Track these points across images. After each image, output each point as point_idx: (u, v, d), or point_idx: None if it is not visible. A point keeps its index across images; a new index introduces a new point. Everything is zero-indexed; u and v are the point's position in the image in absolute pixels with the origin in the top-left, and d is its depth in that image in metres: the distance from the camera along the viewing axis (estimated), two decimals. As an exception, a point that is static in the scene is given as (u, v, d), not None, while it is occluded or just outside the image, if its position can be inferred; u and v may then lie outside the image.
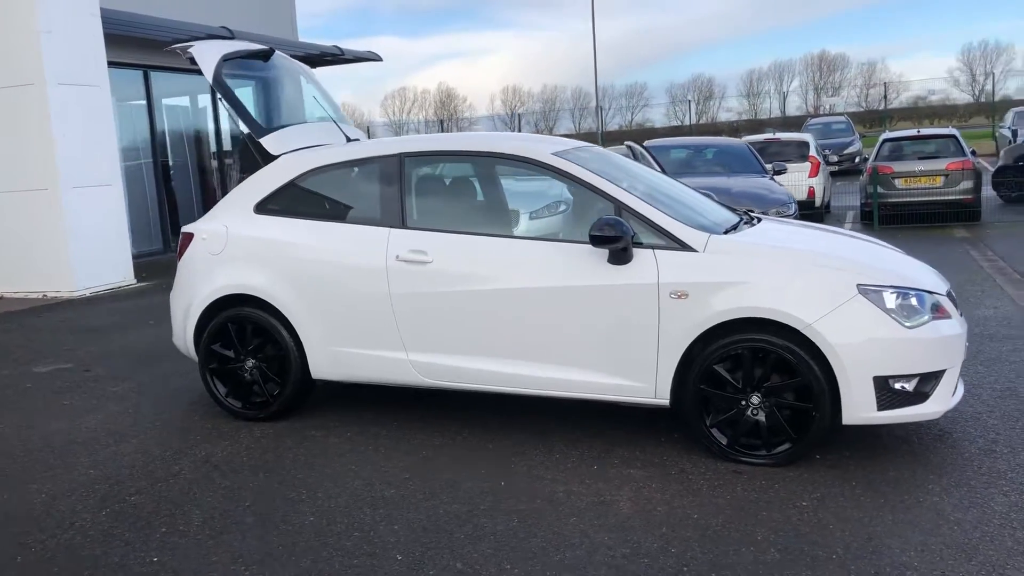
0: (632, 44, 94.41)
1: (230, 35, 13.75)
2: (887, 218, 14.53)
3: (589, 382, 4.65)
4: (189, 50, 5.60)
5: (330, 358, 5.15)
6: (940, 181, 14.56)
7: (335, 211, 5.30)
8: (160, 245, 14.75)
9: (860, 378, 4.22)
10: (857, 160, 24.72)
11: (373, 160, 5.25)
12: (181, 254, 5.62)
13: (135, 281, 11.65)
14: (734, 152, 13.71)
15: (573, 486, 4.22)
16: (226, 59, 5.63)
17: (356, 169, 5.34)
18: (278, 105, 5.87)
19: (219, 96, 5.56)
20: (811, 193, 15.26)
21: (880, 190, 14.62)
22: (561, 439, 4.85)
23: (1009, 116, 25.82)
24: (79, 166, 10.90)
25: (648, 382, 4.55)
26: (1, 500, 4.34)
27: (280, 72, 6.09)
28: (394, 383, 5.10)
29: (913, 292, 4.37)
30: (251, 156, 5.63)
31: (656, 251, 4.51)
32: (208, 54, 5.57)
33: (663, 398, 4.55)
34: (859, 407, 4.25)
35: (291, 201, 5.36)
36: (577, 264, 4.61)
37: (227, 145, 16.59)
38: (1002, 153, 17.65)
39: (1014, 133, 19.22)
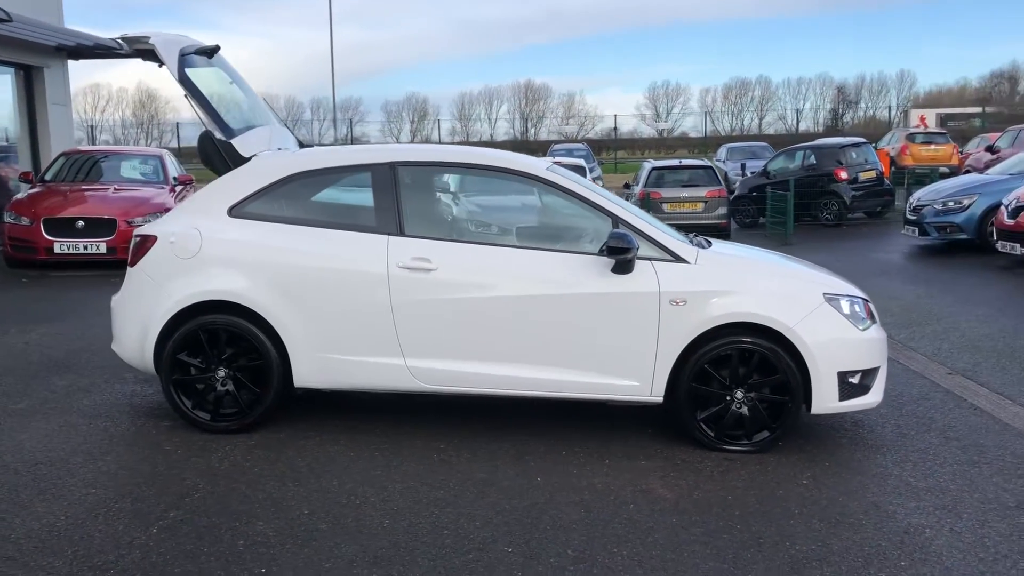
0: (345, 57, 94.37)
1: (7, 17, 12.48)
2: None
3: (589, 383, 5.01)
4: (150, 41, 5.28)
5: (317, 365, 5.10)
6: (700, 207, 16.31)
7: (324, 217, 5.25)
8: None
9: (828, 373, 4.93)
10: (600, 185, 26.66)
11: (363, 167, 5.28)
12: (136, 258, 5.27)
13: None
14: None
15: (602, 479, 4.56)
16: (183, 54, 5.37)
17: (345, 176, 5.33)
18: (230, 105, 5.66)
19: (185, 94, 5.30)
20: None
21: (652, 213, 16.13)
22: (555, 439, 5.16)
23: (721, 151, 29.10)
24: None
25: (645, 381, 4.99)
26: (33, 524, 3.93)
27: (227, 71, 5.87)
28: (387, 389, 5.15)
29: (858, 300, 5.17)
30: (214, 156, 5.40)
31: (654, 263, 4.98)
32: (168, 49, 5.29)
33: (658, 396, 5.02)
34: (825, 399, 4.96)
35: (273, 205, 5.23)
36: (582, 273, 4.96)
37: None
38: (738, 184, 19.99)
39: (743, 166, 21.84)
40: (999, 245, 11.97)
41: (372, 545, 3.76)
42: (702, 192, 16.30)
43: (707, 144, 50.21)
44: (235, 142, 5.35)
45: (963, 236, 13.15)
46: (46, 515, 4.05)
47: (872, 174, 18.04)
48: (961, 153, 26.47)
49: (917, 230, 13.73)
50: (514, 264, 5.02)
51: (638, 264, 4.95)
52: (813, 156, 18.51)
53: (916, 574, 3.56)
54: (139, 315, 5.22)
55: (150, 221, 11.57)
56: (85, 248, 11.70)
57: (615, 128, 53.40)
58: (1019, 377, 6.50)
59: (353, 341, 5.07)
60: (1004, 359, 7.00)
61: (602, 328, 4.95)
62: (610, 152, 49.35)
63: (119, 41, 5.43)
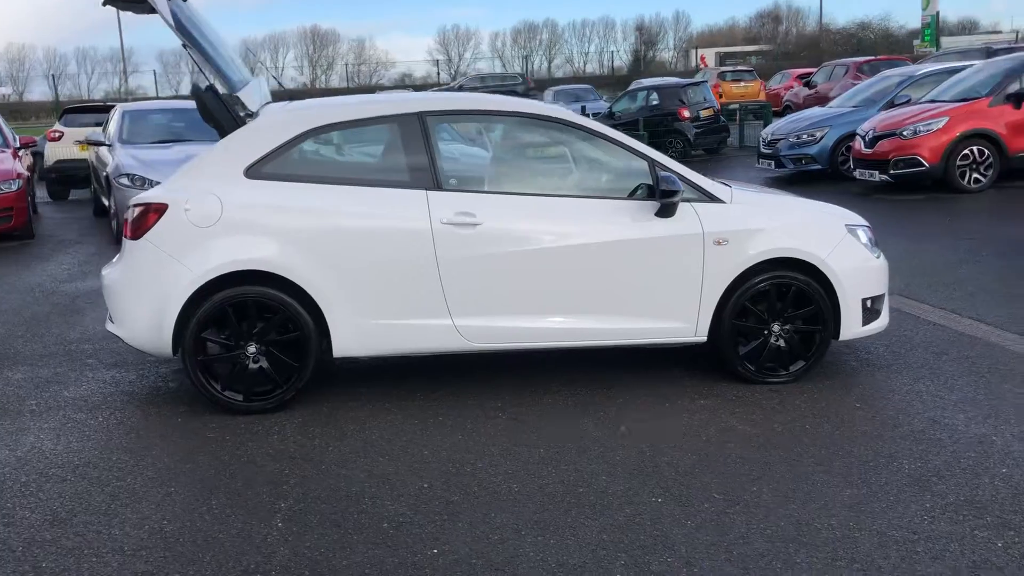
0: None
1: None
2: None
3: (639, 328, 5.01)
4: None
5: (359, 333, 4.80)
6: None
7: (351, 174, 4.91)
8: None
9: (854, 301, 5.18)
10: None
11: (389, 119, 4.95)
12: (140, 230, 4.71)
13: None
14: None
15: (677, 421, 4.60)
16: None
17: (369, 128, 4.97)
18: (224, 54, 5.10)
19: (183, 44, 4.74)
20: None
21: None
22: (603, 386, 5.14)
23: (548, 94, 29.46)
24: None
25: (691, 322, 5.05)
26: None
27: (201, 17, 5.28)
28: (434, 351, 4.93)
29: (868, 228, 5.44)
30: (218, 112, 4.89)
31: (693, 204, 5.01)
32: (157, -4, 4.70)
33: (702, 335, 5.10)
34: (852, 326, 5.22)
35: (294, 164, 4.82)
36: (628, 219, 4.92)
37: None
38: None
39: (583, 109, 22.23)
40: (857, 173, 12.90)
41: (523, 511, 3.63)
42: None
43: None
44: (242, 96, 4.87)
45: (817, 166, 14.06)
46: (143, 521, 3.61)
47: (711, 112, 18.89)
48: (767, 89, 28.15)
49: (773, 163, 14.54)
50: (558, 214, 4.91)
51: (680, 207, 4.96)
52: (656, 96, 19.12)
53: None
54: (150, 293, 4.69)
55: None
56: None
57: (407, 75, 52.70)
58: (950, 293, 7.03)
59: (397, 304, 4.80)
60: (925, 277, 7.55)
61: (650, 273, 4.95)
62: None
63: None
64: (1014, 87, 11.89)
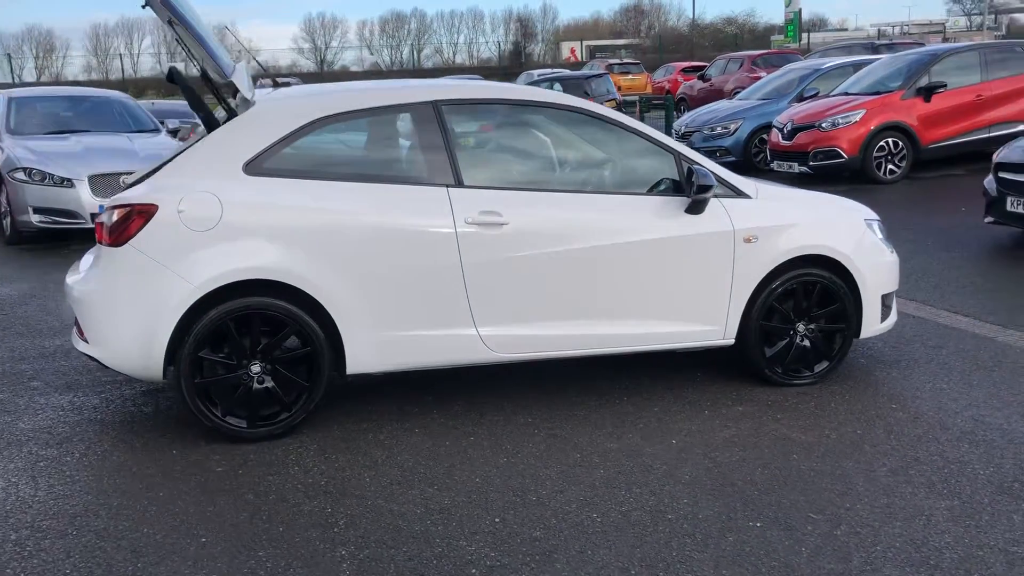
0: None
1: None
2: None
3: (670, 332, 4.72)
4: None
5: (376, 347, 4.31)
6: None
7: (361, 169, 4.39)
8: None
9: (875, 297, 5.04)
10: None
11: (401, 108, 4.47)
12: (123, 236, 4.07)
13: None
14: (115, 106, 11.70)
15: (725, 432, 4.32)
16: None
17: (378, 118, 4.47)
18: (210, 34, 4.46)
19: (168, 20, 4.10)
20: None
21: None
22: (633, 394, 4.83)
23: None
24: None
25: (720, 324, 4.79)
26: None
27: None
28: (456, 364, 4.49)
29: (880, 223, 5.32)
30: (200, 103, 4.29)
31: (721, 200, 4.75)
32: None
33: (730, 338, 4.85)
34: (872, 322, 5.08)
35: (298, 158, 4.28)
36: (658, 216, 4.62)
37: None
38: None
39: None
40: (775, 165, 13.05)
41: (620, 546, 3.26)
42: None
43: (370, 78, 49.71)
44: (235, 81, 4.28)
45: (731, 158, 14.15)
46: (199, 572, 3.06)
47: (613, 104, 18.92)
48: (653, 82, 28.49)
49: (687, 155, 14.55)
50: (588, 211, 4.55)
51: (709, 203, 4.69)
52: (560, 88, 18.95)
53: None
54: (137, 307, 4.07)
55: None
56: None
57: (262, 63, 50.97)
58: (916, 284, 7.02)
59: (417, 313, 4.34)
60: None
61: (681, 273, 4.66)
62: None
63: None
64: (924, 81, 12.24)
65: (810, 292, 4.90)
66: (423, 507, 3.57)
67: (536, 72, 24.98)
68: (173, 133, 11.33)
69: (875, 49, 19.84)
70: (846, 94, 12.93)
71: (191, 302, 4.03)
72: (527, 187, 4.55)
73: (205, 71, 4.32)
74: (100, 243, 4.21)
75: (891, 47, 20.18)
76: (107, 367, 4.23)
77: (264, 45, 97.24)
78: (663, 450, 4.10)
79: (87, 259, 4.67)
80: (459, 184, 4.38)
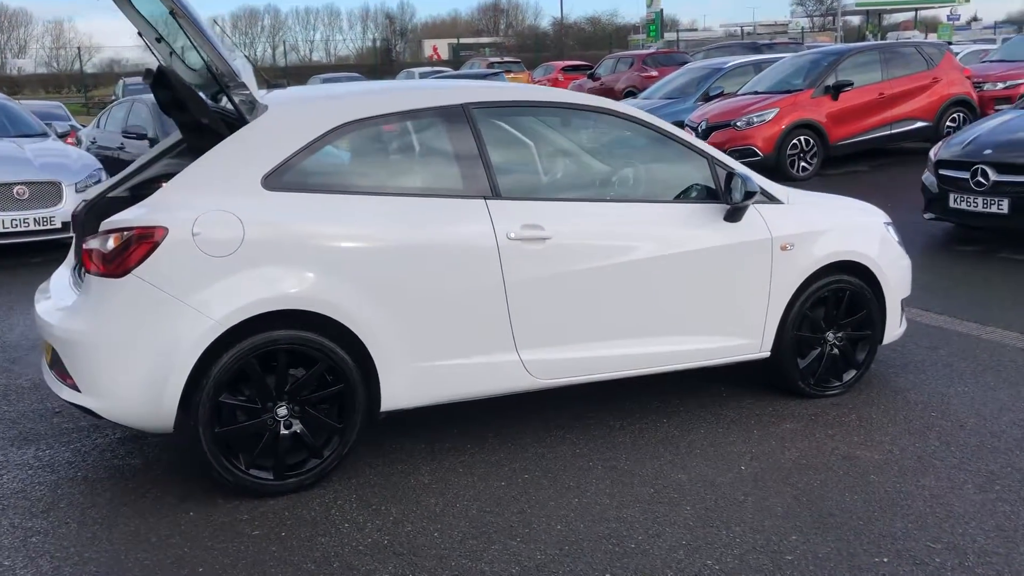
0: None
1: None
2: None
3: (710, 348, 4.45)
4: None
5: (414, 379, 3.83)
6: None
7: (394, 181, 3.90)
8: None
9: (896, 302, 4.93)
10: None
11: (428, 112, 3.99)
12: (124, 264, 3.44)
13: None
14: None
15: (791, 453, 4.08)
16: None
17: (406, 123, 3.98)
18: (213, 33, 3.84)
19: (170, 11, 3.49)
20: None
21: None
22: (667, 416, 4.52)
23: (315, 81, 27.91)
24: None
25: (757, 337, 4.56)
26: None
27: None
28: (497, 393, 4.06)
29: (893, 226, 5.22)
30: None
31: (757, 206, 4.51)
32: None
33: (766, 351, 4.62)
34: (893, 327, 4.96)
35: (321, 169, 3.75)
36: (700, 225, 4.34)
37: None
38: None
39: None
40: (690, 164, 13.04)
41: (756, 596, 2.95)
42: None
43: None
44: (245, 81, 3.71)
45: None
46: None
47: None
48: (533, 80, 28.44)
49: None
50: (631, 222, 4.22)
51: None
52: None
53: None
54: (144, 349, 3.45)
55: None
56: None
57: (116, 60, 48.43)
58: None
59: (455, 339, 3.89)
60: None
61: (723, 284, 4.40)
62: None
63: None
64: (831, 79, 12.50)
65: (840, 300, 4.73)
66: (518, 566, 3.15)
67: (416, 71, 24.45)
68: (62, 137, 10.31)
69: (757, 49, 20.34)
70: (756, 93, 13.08)
71: (211, 339, 3.45)
72: (565, 197, 4.17)
73: (211, 69, 3.73)
74: (90, 273, 3.56)
75: (771, 47, 20.74)
76: (102, 418, 3.58)
77: (106, 41, 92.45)
78: (737, 479, 3.81)
79: (58, 282, 4.01)
80: (496, 195, 3.96)
